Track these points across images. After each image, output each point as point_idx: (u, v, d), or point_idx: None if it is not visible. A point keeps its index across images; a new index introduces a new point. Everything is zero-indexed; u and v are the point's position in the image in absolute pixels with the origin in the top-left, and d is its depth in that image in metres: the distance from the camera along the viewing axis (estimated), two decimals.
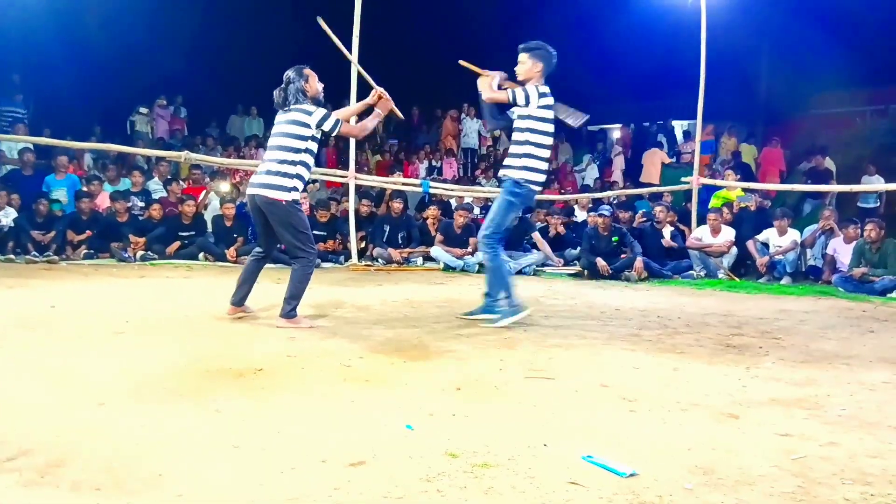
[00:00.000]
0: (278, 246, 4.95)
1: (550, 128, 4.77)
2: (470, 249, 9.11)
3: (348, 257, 9.37)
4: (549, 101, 4.74)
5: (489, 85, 4.78)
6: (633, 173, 14.11)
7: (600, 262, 8.36)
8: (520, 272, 8.70)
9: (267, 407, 2.69)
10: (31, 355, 3.44)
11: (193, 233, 9.08)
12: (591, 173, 14.82)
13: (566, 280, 8.39)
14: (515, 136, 4.78)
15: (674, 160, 14.31)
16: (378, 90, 4.90)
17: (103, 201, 9.65)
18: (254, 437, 2.32)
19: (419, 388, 3.05)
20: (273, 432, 2.38)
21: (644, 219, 9.72)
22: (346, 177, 10.10)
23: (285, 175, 4.45)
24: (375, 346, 3.96)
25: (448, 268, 9.00)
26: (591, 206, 10.97)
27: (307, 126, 4.48)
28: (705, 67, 9.60)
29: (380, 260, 9.26)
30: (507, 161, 4.85)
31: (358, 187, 10.26)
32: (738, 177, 10.33)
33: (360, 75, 5.69)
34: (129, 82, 13.72)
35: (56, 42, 12.03)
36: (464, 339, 4.28)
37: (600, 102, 15.92)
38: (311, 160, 4.58)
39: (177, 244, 9.00)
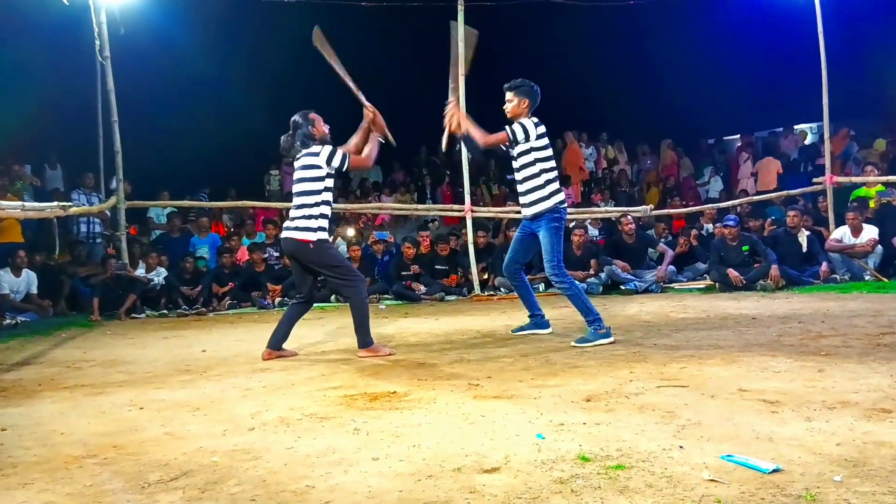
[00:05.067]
0: (317, 287, 4.94)
1: (550, 151, 4.95)
2: (592, 271, 9.01)
3: (471, 289, 9.50)
4: (543, 128, 4.86)
5: (479, 132, 4.92)
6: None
7: (732, 272, 8.03)
8: (647, 290, 8.50)
9: (401, 424, 2.79)
10: (188, 392, 3.74)
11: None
12: (716, 185, 14.31)
13: (697, 294, 8.11)
14: (527, 170, 4.88)
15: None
16: (369, 108, 4.93)
17: (242, 254, 10.35)
18: (391, 451, 2.42)
19: (548, 401, 3.06)
20: (408, 446, 2.47)
21: (773, 226, 9.25)
22: (462, 211, 10.31)
23: (308, 217, 4.67)
24: (503, 367, 4.00)
25: None
26: (715, 216, 10.58)
27: (319, 167, 4.66)
28: (826, 64, 9.14)
29: (502, 289, 9.33)
30: (531, 197, 4.90)
31: (474, 220, 10.42)
32: (878, 172, 9.64)
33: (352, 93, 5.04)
34: (257, 147, 14.73)
35: (190, 120, 13.17)
36: (590, 355, 4.25)
37: (718, 113, 15.37)
38: (330, 197, 4.76)
39: None
